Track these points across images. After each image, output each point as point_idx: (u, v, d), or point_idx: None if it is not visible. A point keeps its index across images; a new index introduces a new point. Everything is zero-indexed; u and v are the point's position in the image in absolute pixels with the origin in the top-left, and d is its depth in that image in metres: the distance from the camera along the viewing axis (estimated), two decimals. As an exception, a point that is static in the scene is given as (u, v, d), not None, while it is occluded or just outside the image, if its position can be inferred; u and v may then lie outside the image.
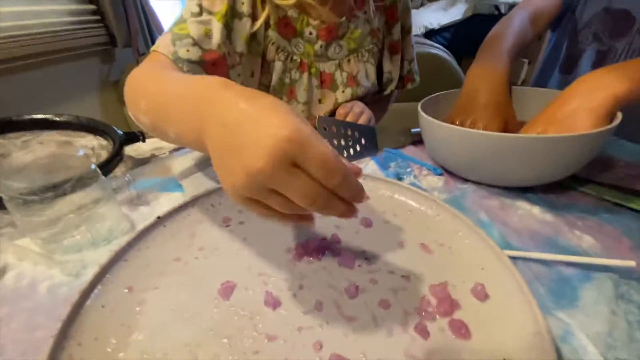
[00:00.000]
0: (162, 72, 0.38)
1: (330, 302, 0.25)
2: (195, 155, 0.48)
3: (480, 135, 0.36)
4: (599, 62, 0.65)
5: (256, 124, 0.19)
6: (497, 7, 2.42)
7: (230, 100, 0.21)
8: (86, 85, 1.05)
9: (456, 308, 0.24)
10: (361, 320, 0.24)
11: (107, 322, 0.23)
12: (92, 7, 1.03)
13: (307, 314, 0.24)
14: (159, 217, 0.32)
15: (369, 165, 0.46)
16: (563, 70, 0.71)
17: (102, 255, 0.31)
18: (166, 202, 0.39)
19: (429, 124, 0.41)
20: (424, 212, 0.33)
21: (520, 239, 0.31)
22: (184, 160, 0.47)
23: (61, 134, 0.49)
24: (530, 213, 0.35)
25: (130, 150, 0.50)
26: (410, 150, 0.50)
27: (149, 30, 1.24)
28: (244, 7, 0.44)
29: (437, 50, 1.16)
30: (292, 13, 0.47)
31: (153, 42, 1.27)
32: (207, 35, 0.43)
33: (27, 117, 0.48)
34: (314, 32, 0.49)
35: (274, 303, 0.25)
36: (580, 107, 0.37)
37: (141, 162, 0.49)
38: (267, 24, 0.47)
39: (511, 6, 2.27)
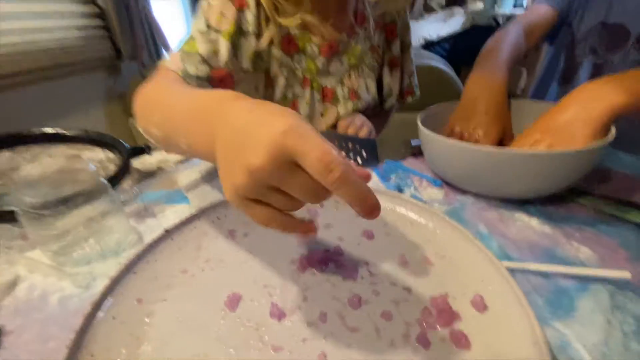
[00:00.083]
0: (174, 86, 0.40)
1: (333, 313, 0.26)
2: (201, 167, 0.50)
3: (478, 149, 0.37)
4: (596, 74, 0.66)
5: (259, 126, 0.19)
6: (494, 19, 2.47)
7: (240, 108, 0.22)
8: (92, 97, 1.08)
9: (456, 319, 0.25)
10: (364, 331, 0.24)
11: (118, 333, 0.24)
12: (99, 21, 1.06)
13: (311, 325, 0.25)
14: (166, 230, 0.33)
15: (370, 177, 0.47)
16: (561, 81, 0.73)
17: (111, 267, 0.32)
18: (172, 214, 0.40)
19: (429, 138, 0.42)
20: (425, 225, 0.34)
21: (519, 250, 0.32)
22: (190, 173, 0.48)
23: (70, 148, 0.51)
24: (528, 225, 0.36)
25: (137, 163, 0.51)
26: (410, 162, 0.51)
27: (154, 43, 1.27)
28: (250, 26, 0.46)
29: (436, 62, 1.19)
30: (295, 31, 0.49)
31: (158, 55, 1.31)
32: (215, 53, 0.45)
33: (37, 131, 0.49)
34: (316, 49, 0.51)
35: (279, 314, 0.26)
36: (578, 117, 0.38)
37: (147, 174, 0.50)
38: (271, 42, 0.48)
39: (508, 18, 2.32)
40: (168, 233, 0.33)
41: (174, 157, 0.54)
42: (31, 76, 0.85)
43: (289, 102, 0.55)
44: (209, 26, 0.45)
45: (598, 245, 0.33)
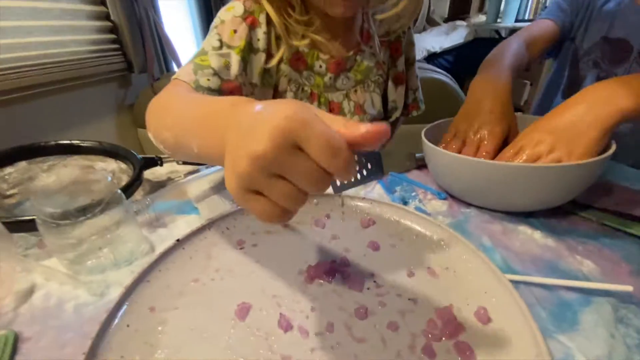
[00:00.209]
0: (187, 93, 0.41)
1: (340, 323, 0.26)
2: (210, 178, 0.51)
3: (481, 163, 0.38)
4: None
5: (263, 115, 0.19)
6: (497, 32, 2.51)
7: (251, 107, 0.21)
8: (104, 108, 1.11)
9: (461, 330, 0.25)
10: (371, 341, 0.25)
11: (132, 340, 0.25)
12: (112, 36, 1.09)
13: (319, 335, 0.25)
14: (178, 240, 0.34)
15: (375, 189, 0.48)
16: (565, 94, 0.74)
17: (124, 275, 0.33)
18: (183, 224, 0.41)
19: (432, 152, 0.43)
20: (430, 237, 0.35)
21: (522, 263, 0.33)
22: (199, 184, 0.49)
23: (84, 159, 0.52)
24: (531, 238, 0.37)
25: (148, 173, 0.53)
26: (415, 175, 0.52)
27: (164, 56, 1.30)
28: (260, 44, 0.48)
29: (440, 75, 1.21)
30: (303, 48, 0.51)
31: (167, 68, 1.34)
32: (226, 66, 0.47)
33: (53, 142, 0.51)
34: (324, 66, 0.53)
35: (286, 325, 0.26)
36: (584, 119, 0.37)
37: (158, 185, 0.52)
38: (280, 59, 0.50)
39: (511, 31, 2.34)
40: (179, 243, 0.34)
41: (184, 167, 0.56)
42: (46, 89, 0.88)
43: None
44: (221, 42, 0.47)
45: (601, 258, 0.33)
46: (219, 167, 0.52)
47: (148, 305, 0.28)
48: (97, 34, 1.05)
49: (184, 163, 0.56)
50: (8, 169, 0.48)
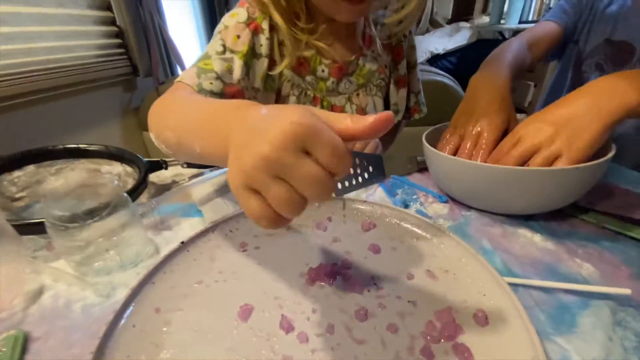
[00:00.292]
0: (190, 95, 0.42)
1: (341, 325, 0.27)
2: (213, 181, 0.52)
3: (481, 167, 0.38)
4: None
5: (270, 118, 0.20)
6: (501, 33, 2.50)
7: (256, 110, 0.22)
8: (109, 112, 1.12)
9: (459, 332, 0.26)
10: (370, 343, 0.25)
11: (138, 341, 0.25)
12: (118, 40, 1.11)
13: (320, 336, 0.26)
14: (182, 243, 0.34)
15: (377, 192, 0.48)
16: None
17: (130, 277, 0.34)
18: (187, 227, 0.41)
19: (433, 155, 0.43)
20: (430, 240, 0.35)
21: (522, 266, 0.33)
22: (203, 187, 0.50)
23: (91, 162, 0.53)
24: (531, 241, 0.37)
25: (153, 176, 0.54)
26: (416, 178, 0.52)
27: (169, 60, 1.32)
28: (263, 49, 0.49)
29: (442, 77, 1.21)
30: (306, 54, 0.52)
31: (172, 72, 1.36)
32: (229, 71, 0.47)
33: (61, 146, 0.52)
34: (326, 70, 0.53)
35: (287, 327, 0.27)
36: (588, 112, 0.36)
37: (163, 188, 0.53)
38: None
39: (515, 32, 2.34)
40: (184, 245, 0.34)
41: (188, 171, 0.57)
42: (53, 93, 0.90)
43: None
44: (224, 46, 0.48)
45: (600, 262, 0.33)
46: (222, 170, 0.53)
47: (153, 307, 0.28)
48: (103, 38, 1.07)
49: (188, 166, 0.57)
50: (17, 173, 0.49)
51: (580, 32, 0.69)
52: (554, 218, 0.40)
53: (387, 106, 0.64)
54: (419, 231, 0.37)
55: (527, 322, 0.24)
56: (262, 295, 0.30)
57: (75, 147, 0.52)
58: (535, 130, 0.38)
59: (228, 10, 0.52)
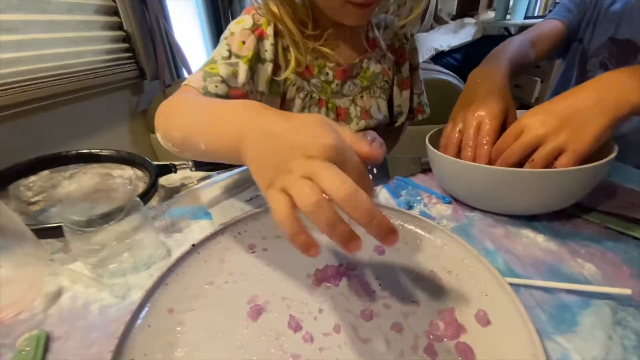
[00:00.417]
0: (197, 97, 0.44)
1: (347, 325, 0.28)
2: (221, 184, 0.53)
3: (484, 169, 0.39)
4: None
5: (305, 133, 0.23)
6: (506, 29, 2.48)
7: (273, 116, 0.26)
8: (117, 115, 1.14)
9: (462, 332, 0.26)
10: (375, 342, 0.26)
11: (154, 340, 0.27)
12: (125, 45, 1.13)
13: (327, 335, 0.27)
14: (193, 245, 0.36)
15: (381, 194, 0.49)
16: None
17: (144, 279, 0.35)
18: (197, 229, 0.43)
19: (436, 157, 0.44)
20: (433, 241, 0.36)
21: (524, 267, 0.34)
22: (211, 190, 0.51)
23: (102, 167, 0.55)
24: (534, 241, 0.37)
25: (162, 180, 0.55)
26: (420, 179, 0.53)
27: (175, 63, 1.34)
28: (267, 55, 0.50)
29: (446, 76, 1.21)
30: (312, 59, 0.53)
31: (178, 75, 1.38)
32: (234, 75, 0.49)
33: (74, 152, 0.54)
34: (331, 73, 0.54)
35: (296, 325, 0.28)
36: (594, 106, 0.36)
37: (172, 191, 0.54)
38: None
39: (521, 27, 2.31)
40: (194, 247, 0.36)
41: (196, 174, 0.58)
42: (62, 99, 0.92)
43: None
44: (230, 52, 0.49)
45: (602, 262, 0.34)
46: (229, 173, 0.54)
47: (167, 307, 0.30)
48: (110, 43, 1.08)
49: (197, 170, 0.58)
50: (32, 178, 0.51)
51: (584, 31, 0.69)
52: (557, 218, 0.41)
53: (390, 108, 0.64)
54: (423, 233, 0.37)
55: (527, 322, 0.24)
56: (271, 296, 0.31)
57: (87, 152, 0.54)
58: (540, 121, 0.38)
59: (232, 11, 0.53)
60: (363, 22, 0.48)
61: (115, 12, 1.09)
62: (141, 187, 0.51)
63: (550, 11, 1.04)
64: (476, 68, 0.54)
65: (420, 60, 0.75)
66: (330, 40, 0.51)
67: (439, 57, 2.29)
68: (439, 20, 2.63)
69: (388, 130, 0.68)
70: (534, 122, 0.38)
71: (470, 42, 2.33)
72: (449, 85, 1.16)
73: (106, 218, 0.35)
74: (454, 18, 2.65)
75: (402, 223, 0.39)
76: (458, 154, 0.45)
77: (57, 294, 0.34)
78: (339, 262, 0.35)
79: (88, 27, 0.99)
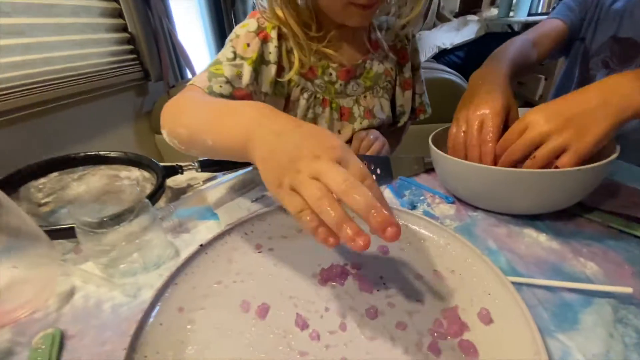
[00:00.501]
0: (203, 96, 0.45)
1: (352, 323, 0.28)
2: (227, 185, 0.54)
3: (487, 169, 0.39)
4: None
5: (312, 135, 0.26)
6: (509, 26, 2.46)
7: (282, 119, 0.28)
8: (122, 116, 1.16)
9: (465, 330, 0.27)
10: (380, 340, 0.27)
11: (165, 338, 0.28)
12: (130, 46, 1.14)
13: (333, 333, 0.28)
14: (201, 245, 0.36)
15: (385, 194, 0.50)
16: None
17: (153, 278, 0.36)
18: (204, 229, 0.44)
19: (439, 157, 0.44)
20: (436, 241, 0.37)
21: (526, 266, 0.34)
22: (217, 191, 0.52)
23: (110, 168, 0.56)
24: (537, 241, 0.38)
25: (169, 181, 0.56)
26: (423, 179, 0.54)
27: (179, 64, 1.35)
28: (271, 57, 0.51)
29: (449, 75, 1.21)
30: (316, 60, 0.54)
31: (182, 76, 1.39)
32: (238, 76, 0.50)
33: (82, 154, 0.55)
34: (334, 73, 0.55)
35: (303, 324, 0.29)
36: (598, 108, 0.36)
37: (179, 191, 0.55)
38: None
39: (524, 25, 2.30)
40: (202, 248, 0.36)
41: (202, 175, 0.59)
42: (69, 101, 0.93)
43: (310, 120, 0.59)
44: (235, 54, 0.50)
45: (605, 261, 0.34)
46: (235, 174, 0.55)
47: (177, 306, 0.30)
48: (115, 45, 1.10)
49: (202, 170, 0.59)
50: (42, 180, 0.52)
51: (586, 30, 0.69)
52: (559, 218, 0.41)
53: (393, 108, 0.65)
54: (427, 233, 0.38)
55: (529, 320, 0.25)
56: (278, 295, 0.32)
57: (95, 154, 0.55)
58: (544, 119, 0.38)
59: (234, 12, 0.54)
60: (365, 23, 0.49)
61: (119, 14, 1.10)
62: (148, 188, 0.51)
63: (553, 8, 1.04)
64: (477, 69, 0.54)
65: (423, 58, 0.75)
66: (334, 42, 0.52)
67: (441, 55, 2.28)
68: (441, 18, 2.62)
69: (391, 130, 0.68)
70: (538, 120, 0.38)
71: (473, 40, 2.32)
72: (452, 84, 1.16)
73: (117, 219, 0.35)
74: (456, 15, 2.64)
75: (405, 223, 0.40)
76: (466, 155, 0.45)
77: (70, 294, 0.34)
78: (344, 262, 0.35)
79: (93, 30, 1.01)
